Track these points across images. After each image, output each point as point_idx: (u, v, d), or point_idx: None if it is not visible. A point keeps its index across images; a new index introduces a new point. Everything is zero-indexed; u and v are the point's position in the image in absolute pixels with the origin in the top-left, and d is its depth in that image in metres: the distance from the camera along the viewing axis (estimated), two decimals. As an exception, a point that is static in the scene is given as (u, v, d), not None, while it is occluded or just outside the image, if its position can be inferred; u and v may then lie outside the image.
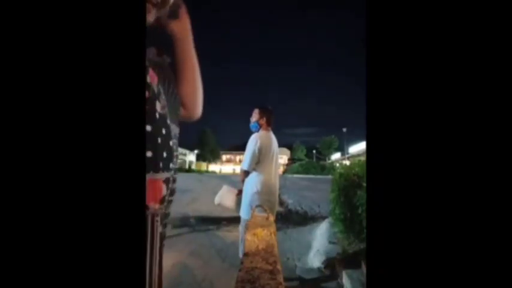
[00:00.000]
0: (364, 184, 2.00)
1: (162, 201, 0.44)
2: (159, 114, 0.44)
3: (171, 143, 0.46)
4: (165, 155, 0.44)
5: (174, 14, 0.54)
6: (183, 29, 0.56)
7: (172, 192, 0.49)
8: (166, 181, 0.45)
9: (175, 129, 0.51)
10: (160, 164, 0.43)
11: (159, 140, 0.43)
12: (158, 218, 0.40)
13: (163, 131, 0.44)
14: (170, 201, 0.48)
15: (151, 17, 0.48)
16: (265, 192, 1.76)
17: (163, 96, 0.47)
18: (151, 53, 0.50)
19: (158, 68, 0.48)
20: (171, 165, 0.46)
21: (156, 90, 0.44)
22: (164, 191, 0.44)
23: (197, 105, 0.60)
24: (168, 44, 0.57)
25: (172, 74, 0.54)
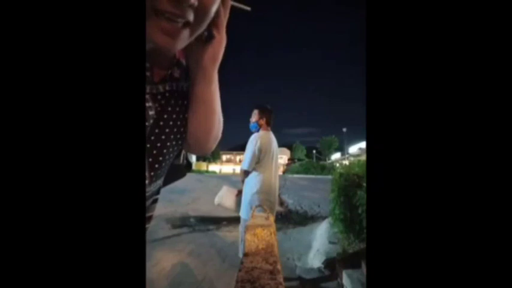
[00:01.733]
0: (364, 184, 2.00)
1: None
2: None
3: None
4: None
5: (209, 35, 0.37)
6: (213, 55, 0.38)
7: None
8: None
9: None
10: None
11: None
12: None
13: None
14: None
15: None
16: (265, 192, 1.76)
17: None
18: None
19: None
20: None
21: None
22: None
23: (207, 146, 0.46)
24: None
25: (166, 115, 0.38)
